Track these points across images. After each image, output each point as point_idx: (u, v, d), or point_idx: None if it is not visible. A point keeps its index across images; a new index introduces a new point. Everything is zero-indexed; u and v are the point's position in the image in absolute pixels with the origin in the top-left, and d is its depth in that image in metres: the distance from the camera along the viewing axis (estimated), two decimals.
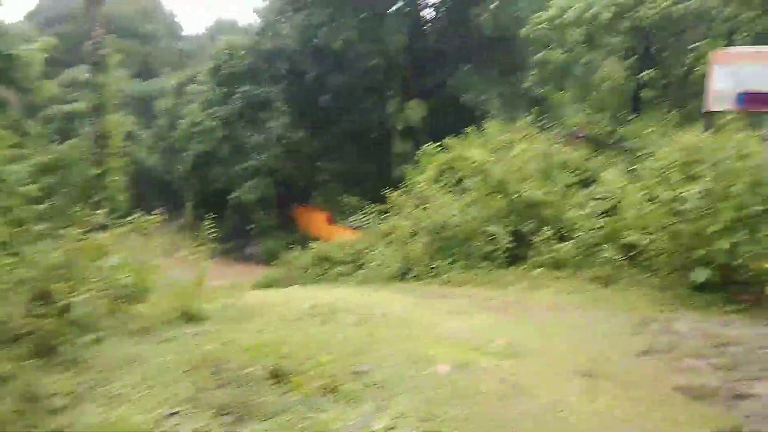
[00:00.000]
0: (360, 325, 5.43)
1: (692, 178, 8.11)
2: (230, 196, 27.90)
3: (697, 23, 15.12)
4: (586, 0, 15.96)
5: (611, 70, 17.08)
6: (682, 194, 7.61)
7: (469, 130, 15.80)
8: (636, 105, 16.10)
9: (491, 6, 24.84)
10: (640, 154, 11.27)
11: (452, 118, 22.73)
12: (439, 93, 27.59)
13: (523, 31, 18.00)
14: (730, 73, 7.25)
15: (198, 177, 30.41)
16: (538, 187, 11.27)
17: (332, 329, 5.17)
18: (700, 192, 7.40)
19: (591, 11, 15.71)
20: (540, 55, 17.16)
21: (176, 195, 37.74)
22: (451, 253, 10.95)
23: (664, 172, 8.18)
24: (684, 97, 14.28)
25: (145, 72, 43.56)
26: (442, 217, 11.20)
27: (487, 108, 25.02)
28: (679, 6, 14.09)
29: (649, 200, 8.51)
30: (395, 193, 13.54)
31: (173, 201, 38.47)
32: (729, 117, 7.43)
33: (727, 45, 12.89)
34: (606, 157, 13.15)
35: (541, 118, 17.90)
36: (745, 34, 13.18)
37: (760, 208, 7.03)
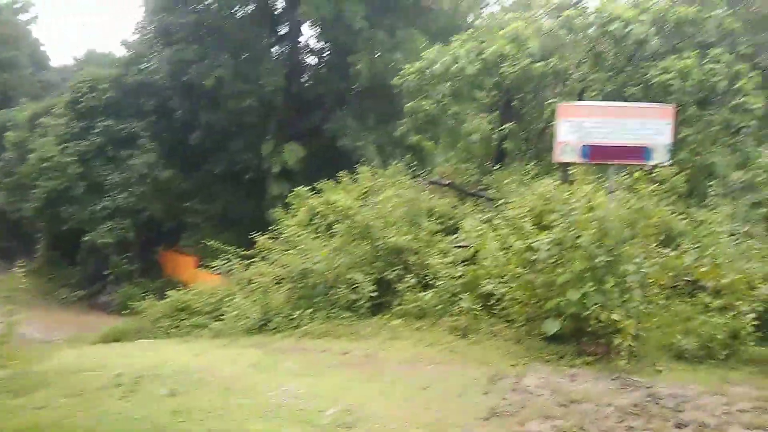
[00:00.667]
0: (174, 396, 4.61)
1: (545, 228, 8.21)
2: (84, 238, 25.40)
3: (554, 81, 16.03)
4: (453, 54, 16.44)
5: (478, 122, 17.66)
6: (533, 244, 7.61)
7: (341, 174, 15.61)
8: (500, 156, 16.66)
9: (374, 55, 25.36)
10: (499, 203, 11.48)
11: (330, 162, 22.46)
12: (317, 137, 27.35)
13: (394, 81, 18.21)
14: (575, 126, 7.42)
15: (50, 216, 27.52)
16: (404, 234, 11.05)
17: (135, 404, 4.32)
18: (550, 242, 7.42)
19: (457, 65, 16.17)
20: (410, 104, 17.39)
21: (27, 236, 34.13)
22: (313, 303, 10.36)
23: (518, 222, 8.18)
24: (542, 149, 14.95)
25: (3, 101, 39.71)
26: (306, 263, 10.63)
27: (364, 153, 25.12)
28: (538, 65, 14.85)
29: (505, 249, 8.48)
30: (263, 237, 12.81)
31: (23, 242, 34.69)
32: (579, 169, 7.61)
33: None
34: (471, 206, 13.35)
35: (412, 165, 18.14)
36: (594, 92, 14.13)
37: (606, 259, 7.13)
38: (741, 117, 13.08)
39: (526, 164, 14.62)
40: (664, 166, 7.69)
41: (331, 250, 10.98)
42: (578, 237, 7.36)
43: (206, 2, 26.04)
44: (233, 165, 27.54)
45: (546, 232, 7.87)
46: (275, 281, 11.61)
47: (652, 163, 7.69)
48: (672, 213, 10.70)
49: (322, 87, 27.17)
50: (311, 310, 10.16)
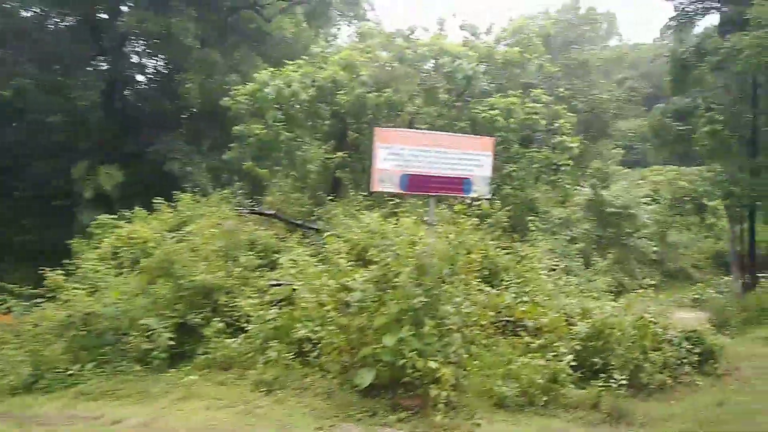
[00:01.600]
0: None
1: (365, 265, 7.43)
2: None
3: (389, 112, 15.73)
4: (286, 78, 15.56)
5: (314, 150, 16.86)
6: (349, 283, 6.75)
7: (157, 201, 13.87)
8: (335, 186, 15.94)
9: (208, 77, 23.68)
10: (326, 236, 10.59)
11: (156, 189, 20.24)
12: (141, 160, 24.79)
13: (222, 102, 16.88)
14: (394, 154, 6.74)
15: None
16: (216, 270, 9.69)
17: None
18: (366, 281, 6.60)
19: (290, 89, 15.29)
20: (239, 127, 16.14)
21: None
22: (98, 354, 8.57)
23: (333, 258, 7.29)
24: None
25: None
26: (93, 305, 8.84)
27: (196, 180, 23.19)
28: (371, 95, 14.45)
29: (323, 288, 7.52)
30: (53, 273, 10.63)
31: None
32: (409, 201, 6.93)
33: None
34: (299, 239, 12.34)
35: (243, 193, 16.79)
36: (425, 126, 14.00)
37: (424, 299, 6.46)
38: (560, 156, 13.64)
39: (358, 195, 14.01)
40: (485, 200, 7.28)
41: (125, 290, 9.30)
42: (396, 275, 6.64)
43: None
44: (38, 189, 23.97)
45: (365, 269, 7.09)
46: (61, 326, 9.60)
47: (472, 195, 7.26)
48: (496, 248, 10.60)
49: (150, 106, 24.81)
50: (94, 363, 8.39)
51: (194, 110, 24.27)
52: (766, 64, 17.89)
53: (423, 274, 6.76)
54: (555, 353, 7.40)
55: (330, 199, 15.15)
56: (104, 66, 24.54)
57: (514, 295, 8.64)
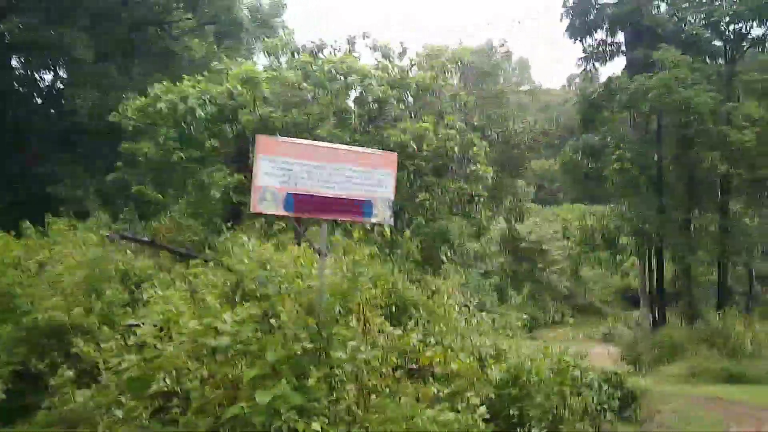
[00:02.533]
0: None
1: (244, 301, 6.16)
2: None
3: (296, 134, 14.58)
4: (181, 92, 14.14)
5: (212, 173, 15.38)
6: (217, 325, 5.45)
7: (25, 226, 12.05)
8: (235, 213, 14.51)
9: (102, 92, 21.68)
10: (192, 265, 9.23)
11: (41, 214, 17.96)
12: (25, 181, 22.23)
13: (111, 118, 15.18)
14: (279, 168, 5.59)
15: None
16: (72, 306, 8.06)
17: None
18: (237, 322, 5.34)
19: (186, 106, 13.85)
20: (126, 145, 14.49)
21: None
22: None
23: (199, 295, 5.99)
24: None
25: None
26: None
27: (85, 204, 20.97)
28: (276, 115, 13.31)
29: (185, 330, 6.14)
30: None
31: None
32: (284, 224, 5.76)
33: None
34: (183, 270, 10.83)
35: (126, 218, 15.05)
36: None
37: (309, 344, 5.27)
38: (474, 186, 13.00)
39: (258, 223, 12.69)
40: (387, 226, 6.26)
41: None
42: (274, 315, 5.43)
43: None
44: None
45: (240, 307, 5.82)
46: None
47: (372, 221, 6.22)
48: (405, 281, 9.61)
49: (38, 123, 22.40)
50: None
51: (87, 129, 22.09)
52: (671, 104, 18.39)
53: (310, 312, 5.59)
54: (466, 404, 6.38)
55: (229, 227, 13.76)
56: None
57: (421, 336, 7.59)
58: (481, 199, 13.12)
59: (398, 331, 7.04)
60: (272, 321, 5.38)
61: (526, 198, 18.19)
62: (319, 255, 5.95)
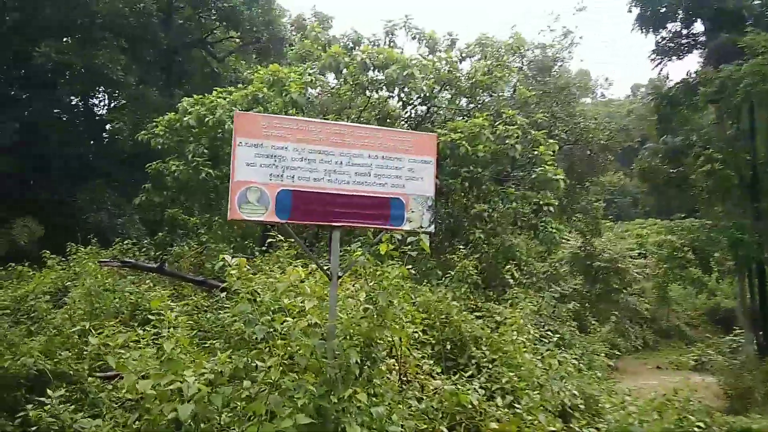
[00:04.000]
0: None
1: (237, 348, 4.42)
2: None
3: None
4: (210, 104, 12.78)
5: None
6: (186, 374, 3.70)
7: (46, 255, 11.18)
8: (266, 236, 12.96)
9: (142, 117, 20.94)
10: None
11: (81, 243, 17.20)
12: (62, 210, 21.65)
13: (139, 135, 14.05)
14: (266, 156, 3.84)
15: None
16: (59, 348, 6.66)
17: None
18: (203, 381, 3.57)
19: (215, 117, 12.46)
20: (154, 165, 13.26)
21: None
22: None
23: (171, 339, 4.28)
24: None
25: None
26: None
27: (127, 232, 20.14)
28: None
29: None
30: None
31: None
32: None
33: None
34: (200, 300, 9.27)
35: (153, 244, 13.82)
36: None
37: (308, 419, 3.43)
38: (542, 194, 10.90)
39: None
40: (425, 234, 4.37)
41: None
42: (262, 370, 3.63)
43: None
44: None
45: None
46: None
47: (405, 228, 4.37)
48: (462, 310, 7.64)
49: (75, 149, 21.87)
50: None
51: (126, 153, 21.39)
52: (766, 92, 15.71)
53: (316, 368, 3.77)
54: None
55: (261, 251, 12.24)
56: (20, 103, 21.68)
57: (483, 386, 5.62)
58: (551, 209, 10.95)
59: (450, 385, 5.08)
60: (258, 379, 3.58)
61: (598, 211, 15.84)
62: (329, 279, 4.14)
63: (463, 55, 11.31)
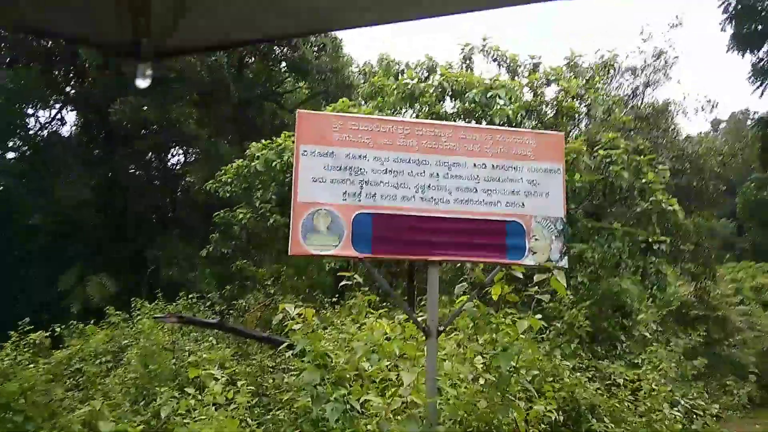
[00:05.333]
0: None
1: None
2: None
3: None
4: (279, 147, 12.20)
5: None
6: None
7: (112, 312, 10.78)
8: (339, 285, 12.01)
9: (212, 168, 20.90)
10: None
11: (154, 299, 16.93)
12: (137, 266, 21.62)
13: (207, 185, 13.63)
14: (337, 166, 2.80)
15: None
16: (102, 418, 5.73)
17: None
18: None
19: (282, 161, 11.84)
20: (221, 214, 12.70)
21: None
22: None
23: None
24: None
25: None
26: None
27: (198, 286, 19.76)
28: None
29: None
30: None
31: None
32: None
33: None
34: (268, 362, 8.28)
35: (223, 298, 13.17)
36: None
37: None
38: (651, 229, 9.38)
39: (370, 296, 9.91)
40: (558, 269, 3.15)
41: None
42: None
43: None
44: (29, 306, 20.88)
45: None
46: None
47: (526, 263, 3.18)
48: (577, 373, 6.23)
49: (147, 203, 22.04)
50: None
51: (198, 206, 21.28)
52: None
53: None
54: None
55: (333, 302, 11.29)
56: (96, 160, 22.20)
57: None
58: (662, 248, 9.37)
59: None
60: None
61: (712, 251, 13.87)
62: (425, 335, 2.99)
63: (550, 78, 10.15)
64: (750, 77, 20.24)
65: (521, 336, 3.03)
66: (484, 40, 10.30)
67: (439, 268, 3.19)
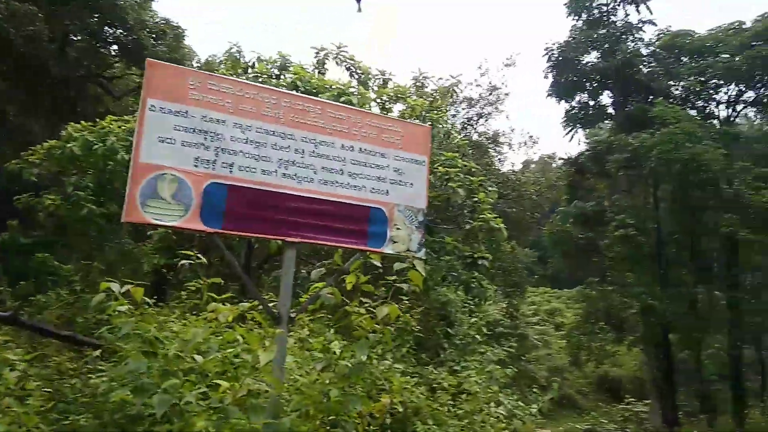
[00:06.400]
0: None
1: None
2: None
3: None
4: (102, 130, 10.93)
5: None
6: None
7: None
8: (161, 281, 11.14)
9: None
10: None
11: None
12: None
13: (9, 166, 11.78)
14: (190, 130, 2.45)
15: None
16: None
17: None
18: None
19: (105, 146, 10.60)
20: (23, 198, 11.05)
21: None
22: None
23: None
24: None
25: None
26: None
27: None
28: None
29: None
30: None
31: None
32: None
33: None
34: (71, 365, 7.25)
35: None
36: None
37: None
38: (478, 246, 10.01)
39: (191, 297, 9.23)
40: (416, 260, 3.11)
41: None
42: None
43: None
44: None
45: None
46: None
47: (386, 251, 3.11)
48: (405, 377, 6.34)
49: None
50: None
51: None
52: (678, 160, 16.24)
53: None
54: None
55: (155, 301, 10.29)
56: None
57: None
58: (485, 264, 10.06)
59: None
60: None
61: (523, 272, 15.29)
62: (276, 322, 2.76)
63: (399, 95, 10.45)
64: (564, 122, 22.98)
65: (377, 326, 2.93)
66: (339, 47, 10.33)
67: (296, 250, 2.97)
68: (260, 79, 8.93)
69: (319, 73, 10.20)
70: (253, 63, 9.90)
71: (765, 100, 19.98)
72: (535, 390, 10.27)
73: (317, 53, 10.36)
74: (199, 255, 2.78)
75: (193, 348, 2.73)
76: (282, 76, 9.57)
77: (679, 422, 17.88)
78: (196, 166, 2.63)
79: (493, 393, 6.24)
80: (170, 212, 2.56)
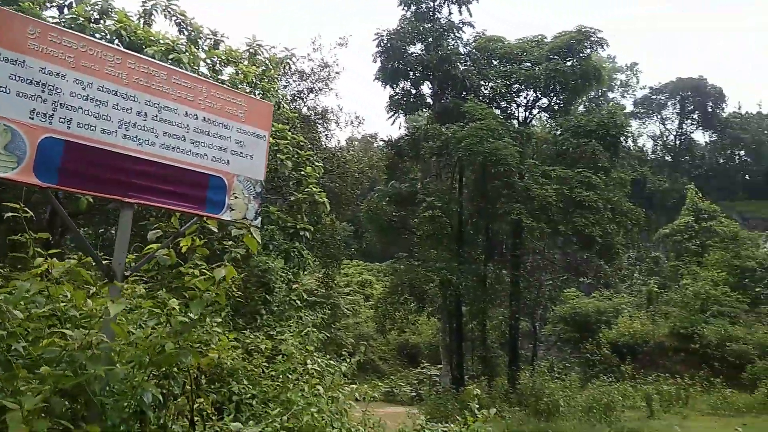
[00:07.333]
0: None
1: None
2: None
3: None
4: None
5: None
6: None
7: None
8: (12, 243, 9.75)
9: None
10: None
11: None
12: None
13: None
14: (27, 81, 2.42)
15: None
16: None
17: None
18: None
19: None
20: None
21: None
22: None
23: None
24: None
25: None
26: None
27: None
28: None
29: None
30: None
31: None
32: None
33: None
34: None
35: None
36: None
37: None
38: (300, 218, 10.37)
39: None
40: (250, 227, 3.34)
41: None
42: None
43: None
44: None
45: None
46: None
47: (223, 218, 3.31)
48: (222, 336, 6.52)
49: None
50: None
51: None
52: (481, 152, 18.16)
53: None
54: None
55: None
56: None
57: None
58: (307, 235, 10.47)
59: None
60: None
61: (340, 245, 16.03)
62: (109, 279, 2.82)
63: (230, 59, 10.25)
64: (387, 106, 24.15)
65: (211, 287, 3.13)
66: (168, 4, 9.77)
67: (132, 211, 3.02)
68: (78, 21, 8.17)
69: (145, 23, 9.59)
70: (71, 3, 9.00)
71: (555, 107, 23.17)
72: (343, 354, 11.03)
73: (144, 2, 9.72)
74: (26, 208, 2.70)
75: (17, 302, 2.69)
76: (103, 21, 8.83)
77: (464, 383, 20.23)
78: (31, 118, 2.57)
79: (308, 353, 6.70)
80: (6, 164, 2.48)
